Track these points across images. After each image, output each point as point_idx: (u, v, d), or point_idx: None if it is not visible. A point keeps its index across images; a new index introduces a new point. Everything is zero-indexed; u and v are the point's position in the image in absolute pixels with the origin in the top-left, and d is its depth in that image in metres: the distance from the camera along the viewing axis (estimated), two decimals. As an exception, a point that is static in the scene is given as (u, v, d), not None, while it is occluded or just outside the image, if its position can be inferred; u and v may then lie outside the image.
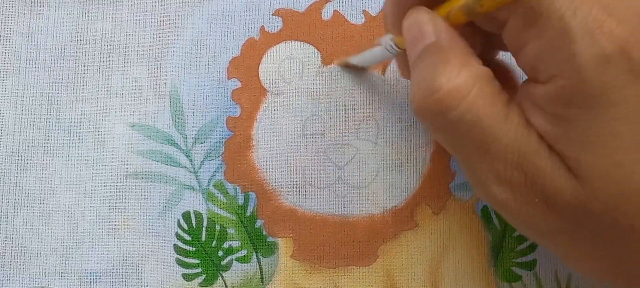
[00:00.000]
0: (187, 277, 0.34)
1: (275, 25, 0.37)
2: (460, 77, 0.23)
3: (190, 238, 0.34)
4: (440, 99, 0.23)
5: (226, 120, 0.36)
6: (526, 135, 0.23)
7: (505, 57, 0.34)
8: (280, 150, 0.35)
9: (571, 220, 0.23)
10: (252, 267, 0.34)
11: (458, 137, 0.24)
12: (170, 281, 0.34)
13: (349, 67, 0.36)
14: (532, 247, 0.35)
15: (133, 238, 0.34)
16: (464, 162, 0.26)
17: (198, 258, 0.34)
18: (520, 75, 0.30)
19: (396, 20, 0.27)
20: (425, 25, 0.25)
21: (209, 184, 0.35)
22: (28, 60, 0.35)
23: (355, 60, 0.34)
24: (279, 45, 0.36)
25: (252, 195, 0.35)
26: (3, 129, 0.35)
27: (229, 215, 0.35)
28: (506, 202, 0.24)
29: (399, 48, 0.28)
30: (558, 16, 0.21)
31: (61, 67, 0.36)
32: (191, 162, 0.35)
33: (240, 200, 0.35)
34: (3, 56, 0.35)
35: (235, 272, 0.34)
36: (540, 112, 0.23)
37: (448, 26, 0.25)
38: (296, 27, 0.36)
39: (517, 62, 0.25)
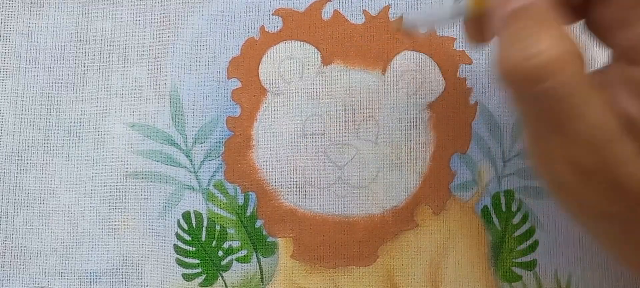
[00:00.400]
0: (187, 277, 0.34)
1: (275, 25, 0.37)
2: (561, 47, 0.22)
3: (190, 239, 0.34)
4: (536, 65, 0.21)
5: (226, 120, 0.35)
6: (609, 119, 0.22)
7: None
8: (280, 150, 0.35)
9: (632, 206, 0.22)
10: (252, 267, 0.34)
11: (541, 108, 0.23)
12: (170, 281, 0.34)
13: (409, 29, 0.33)
14: (533, 247, 0.35)
15: (133, 238, 0.34)
16: (535, 135, 0.24)
17: (198, 258, 0.34)
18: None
19: None
20: None
21: (209, 184, 0.35)
22: (28, 60, 0.35)
23: (419, 18, 0.32)
24: (279, 45, 0.36)
25: (252, 195, 0.35)
26: (3, 129, 0.35)
27: (229, 215, 0.35)
28: (569, 182, 0.23)
29: (475, 7, 0.27)
30: None
31: (61, 67, 0.36)
32: (191, 162, 0.35)
33: (240, 200, 0.35)
34: (3, 56, 0.35)
35: (235, 272, 0.34)
36: (634, 96, 0.22)
37: None
38: (296, 27, 0.36)
39: (606, 40, 0.23)
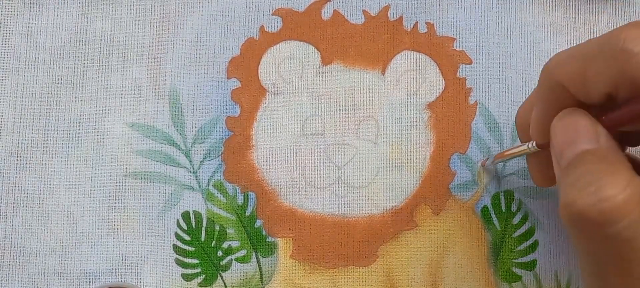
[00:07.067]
0: (187, 277, 0.34)
1: (274, 25, 0.37)
2: (628, 191, 0.22)
3: (189, 239, 0.34)
4: (604, 210, 0.22)
5: (226, 120, 0.35)
6: None
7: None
8: (279, 150, 0.35)
9: None
10: (251, 267, 0.34)
11: (605, 251, 0.23)
12: (170, 281, 0.34)
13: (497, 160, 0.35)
14: (533, 247, 0.35)
15: (132, 238, 0.34)
16: (598, 274, 0.24)
17: (197, 258, 0.34)
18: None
19: (545, 125, 0.27)
20: (586, 128, 0.24)
21: (208, 184, 0.35)
22: (27, 59, 0.35)
23: (494, 161, 0.34)
24: (278, 45, 0.36)
25: (252, 195, 0.35)
26: (2, 128, 0.35)
27: (228, 215, 0.35)
28: None
29: (538, 148, 0.28)
30: None
31: (60, 67, 0.35)
32: (191, 162, 0.35)
33: (240, 200, 0.35)
34: (2, 56, 0.35)
35: (235, 272, 0.34)
36: None
37: (608, 133, 0.24)
38: (296, 26, 0.36)
39: None
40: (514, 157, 0.32)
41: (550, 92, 0.26)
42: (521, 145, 0.30)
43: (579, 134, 0.24)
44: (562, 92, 0.25)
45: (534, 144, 0.28)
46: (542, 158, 0.30)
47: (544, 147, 0.28)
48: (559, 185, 0.25)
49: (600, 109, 0.25)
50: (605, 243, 0.23)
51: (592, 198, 0.22)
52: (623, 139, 0.27)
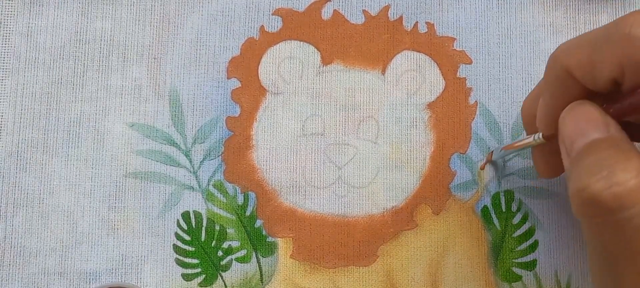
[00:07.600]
0: (187, 277, 0.34)
1: (275, 24, 0.37)
2: None
3: (189, 238, 0.34)
4: (618, 193, 0.22)
5: (226, 120, 0.35)
6: None
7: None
8: (280, 150, 0.35)
9: None
10: (251, 267, 0.34)
11: (617, 240, 0.23)
12: (170, 281, 0.34)
13: (496, 160, 0.35)
14: (533, 247, 0.35)
15: (132, 238, 0.34)
16: (608, 264, 0.24)
17: (197, 258, 0.34)
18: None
19: (552, 116, 0.27)
20: (596, 118, 0.24)
21: (208, 184, 0.35)
22: (27, 59, 0.35)
23: (503, 152, 0.34)
24: (278, 45, 0.36)
25: (252, 195, 0.35)
26: (2, 128, 0.35)
27: (228, 215, 0.35)
28: None
29: (544, 139, 0.29)
30: None
31: (60, 67, 0.35)
32: (191, 162, 0.35)
33: (240, 200, 0.35)
34: (2, 56, 0.35)
35: (235, 272, 0.34)
36: None
37: (617, 124, 0.24)
38: (296, 26, 0.36)
39: None
40: (521, 149, 0.32)
41: (557, 80, 0.26)
42: (527, 138, 0.30)
43: (589, 124, 0.25)
44: (569, 79, 0.26)
45: (541, 136, 0.29)
46: (547, 149, 0.30)
47: (551, 139, 0.28)
48: (568, 175, 0.25)
49: (605, 100, 0.25)
50: (617, 231, 0.23)
51: (605, 182, 0.22)
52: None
